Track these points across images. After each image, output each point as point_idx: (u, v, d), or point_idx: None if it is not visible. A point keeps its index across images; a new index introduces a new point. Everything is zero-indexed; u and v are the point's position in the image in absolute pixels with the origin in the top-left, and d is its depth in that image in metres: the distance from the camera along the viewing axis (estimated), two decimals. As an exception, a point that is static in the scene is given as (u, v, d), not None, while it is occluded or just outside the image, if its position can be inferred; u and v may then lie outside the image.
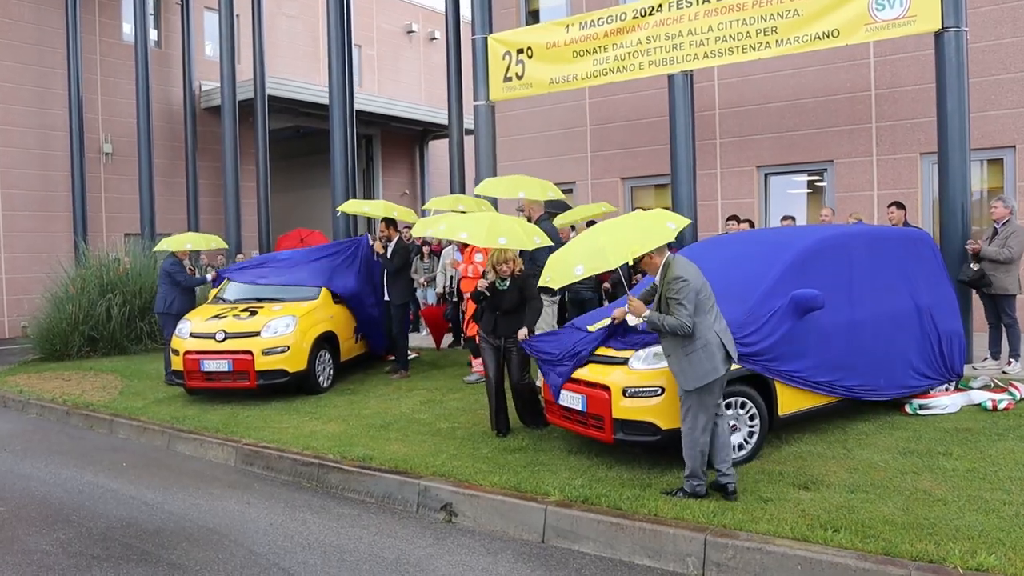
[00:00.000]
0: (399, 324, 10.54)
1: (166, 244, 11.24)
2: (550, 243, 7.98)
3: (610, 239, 5.47)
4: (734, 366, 5.60)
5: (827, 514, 5.03)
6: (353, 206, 12.05)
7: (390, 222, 10.58)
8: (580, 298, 10.18)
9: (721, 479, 5.46)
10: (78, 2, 20.12)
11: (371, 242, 10.87)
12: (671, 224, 5.49)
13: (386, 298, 10.67)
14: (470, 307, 10.06)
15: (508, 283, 7.48)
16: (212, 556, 5.37)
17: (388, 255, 10.43)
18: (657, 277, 5.46)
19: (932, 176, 12.01)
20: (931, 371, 7.21)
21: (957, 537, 4.63)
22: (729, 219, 11.16)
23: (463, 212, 9.75)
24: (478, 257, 9.66)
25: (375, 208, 11.91)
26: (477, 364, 9.76)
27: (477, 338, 9.25)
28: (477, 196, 11.09)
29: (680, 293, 5.20)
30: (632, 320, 5.83)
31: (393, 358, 11.65)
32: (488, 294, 7.50)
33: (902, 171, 12.30)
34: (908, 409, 7.12)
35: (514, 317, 7.45)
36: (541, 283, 5.84)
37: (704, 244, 8.15)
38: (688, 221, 5.84)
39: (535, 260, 8.32)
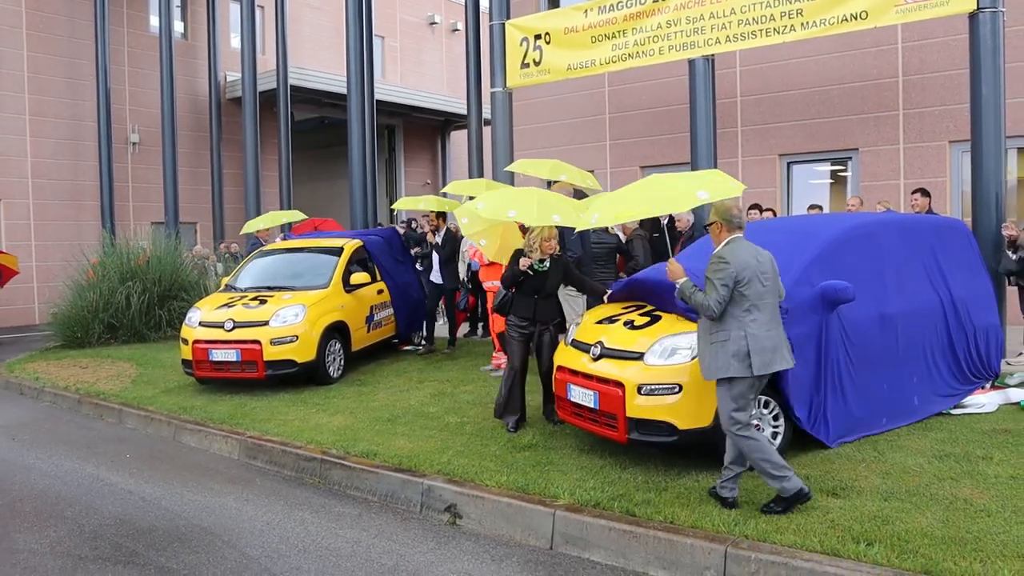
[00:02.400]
0: (450, 305, 11.23)
1: (259, 223, 12.92)
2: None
3: (636, 195, 5.29)
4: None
5: (859, 525, 4.48)
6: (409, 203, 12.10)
7: (440, 214, 10.93)
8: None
9: (720, 488, 4.91)
10: (106, -6, 19.83)
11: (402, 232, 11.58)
12: (702, 193, 4.99)
13: (439, 282, 11.05)
14: (491, 299, 9.62)
15: (548, 264, 6.92)
16: (202, 559, 4.93)
17: (440, 244, 10.85)
18: (714, 251, 4.93)
19: (961, 165, 11.33)
20: (963, 380, 6.58)
21: (1006, 554, 4.07)
22: (751, 208, 10.55)
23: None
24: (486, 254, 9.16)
25: (429, 202, 12.04)
26: (501, 359, 9.21)
27: (494, 330, 8.93)
28: (509, 174, 11.17)
29: (716, 273, 4.70)
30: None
31: (406, 348, 11.32)
32: (531, 273, 6.84)
33: (930, 160, 11.60)
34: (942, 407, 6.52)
35: (553, 301, 6.98)
36: (583, 223, 5.55)
37: None
38: (743, 187, 5.36)
39: (564, 242, 7.63)
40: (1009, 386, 6.97)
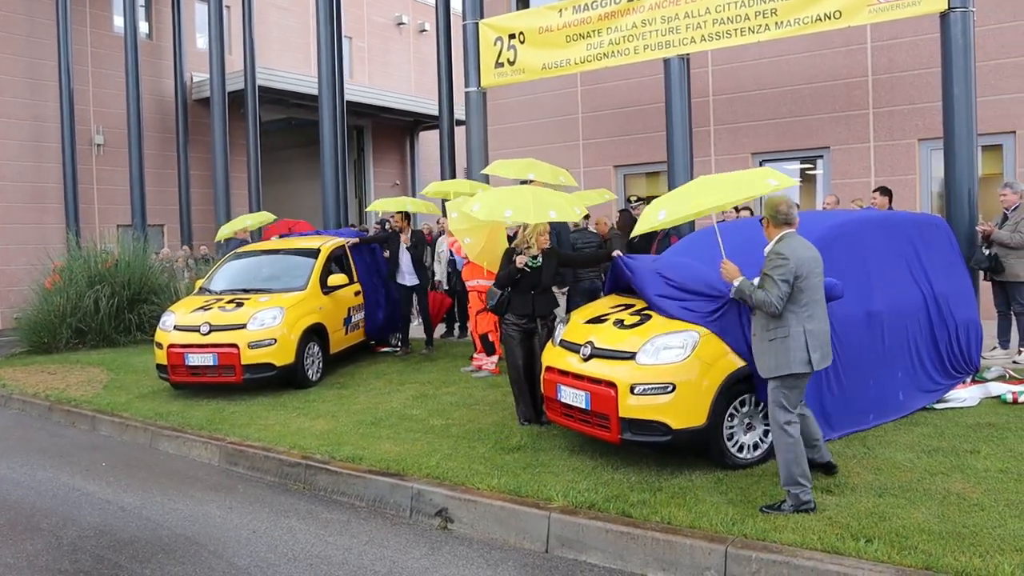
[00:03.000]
0: (424, 305, 11.08)
1: (228, 229, 12.84)
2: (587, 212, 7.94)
3: (700, 190, 5.25)
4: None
5: (857, 521, 4.45)
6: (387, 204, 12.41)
7: (405, 215, 10.97)
8: (588, 287, 9.56)
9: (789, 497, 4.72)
10: (68, -7, 19.29)
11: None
12: (772, 180, 5.07)
13: (416, 282, 10.86)
14: (473, 299, 9.49)
15: (540, 259, 7.01)
16: (189, 571, 4.76)
17: (411, 244, 10.77)
18: (766, 248, 4.84)
19: (931, 163, 11.46)
20: (945, 375, 6.61)
21: (1004, 548, 4.06)
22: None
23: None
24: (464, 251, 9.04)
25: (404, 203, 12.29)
26: (482, 360, 9.10)
27: (494, 334, 8.88)
28: (485, 176, 11.15)
29: (776, 270, 4.63)
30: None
31: (384, 350, 11.14)
32: (527, 270, 6.93)
33: (900, 157, 11.71)
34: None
35: (549, 295, 7.05)
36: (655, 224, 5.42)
37: (707, 232, 7.48)
38: (795, 182, 5.24)
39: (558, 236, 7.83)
40: (988, 380, 7.02)
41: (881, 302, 6.13)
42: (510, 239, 8.48)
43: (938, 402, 6.54)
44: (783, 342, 4.65)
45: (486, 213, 7.02)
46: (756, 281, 4.79)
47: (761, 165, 13.04)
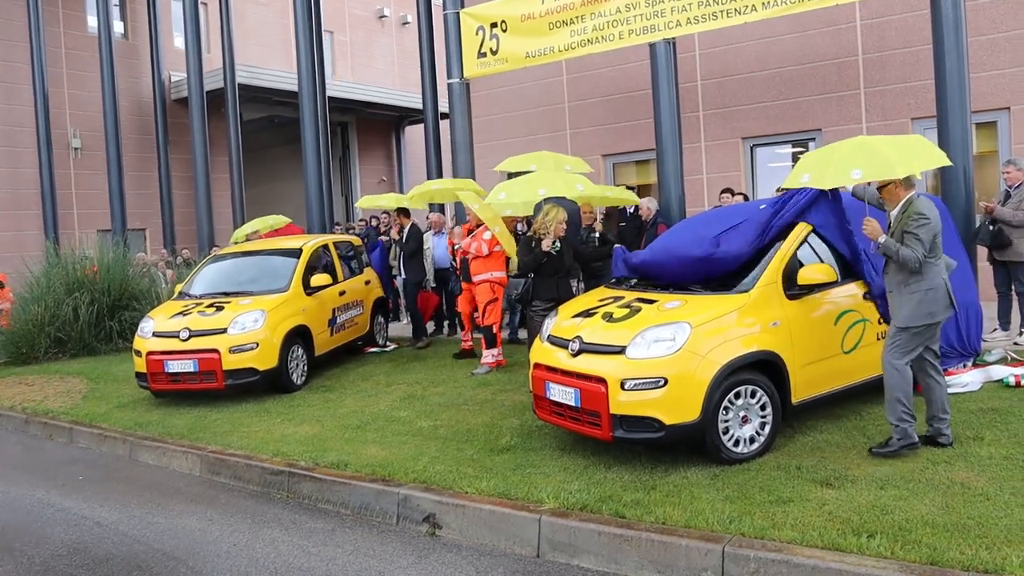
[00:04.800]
0: (413, 301, 11.25)
1: (240, 233, 13.13)
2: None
3: (893, 150, 5.34)
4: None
5: (857, 516, 4.33)
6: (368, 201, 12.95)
7: (402, 211, 11.22)
8: (593, 270, 9.40)
9: (931, 429, 5.28)
10: (39, -7, 19.04)
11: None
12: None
13: (403, 276, 11.29)
14: (466, 292, 9.39)
15: (560, 245, 7.64)
16: (164, 588, 4.61)
17: (403, 239, 11.04)
18: (895, 210, 5.31)
19: (925, 142, 11.32)
20: (947, 345, 6.49)
21: (1011, 540, 3.94)
22: (723, 192, 10.41)
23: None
24: (487, 235, 9.01)
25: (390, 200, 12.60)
26: (490, 355, 9.00)
27: (497, 326, 8.99)
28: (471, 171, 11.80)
29: (920, 229, 5.09)
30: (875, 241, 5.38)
31: (371, 350, 11.01)
32: (553, 254, 7.56)
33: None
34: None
35: (568, 281, 7.63)
36: (795, 182, 5.77)
37: (705, 216, 7.35)
38: (948, 162, 5.85)
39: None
40: (989, 363, 6.91)
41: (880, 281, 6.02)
42: (516, 235, 8.87)
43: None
44: (928, 294, 5.12)
45: (520, 197, 7.94)
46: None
47: (752, 150, 12.93)
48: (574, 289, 8.67)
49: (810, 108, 12.15)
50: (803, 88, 12.17)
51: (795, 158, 12.93)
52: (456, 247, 10.07)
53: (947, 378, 6.36)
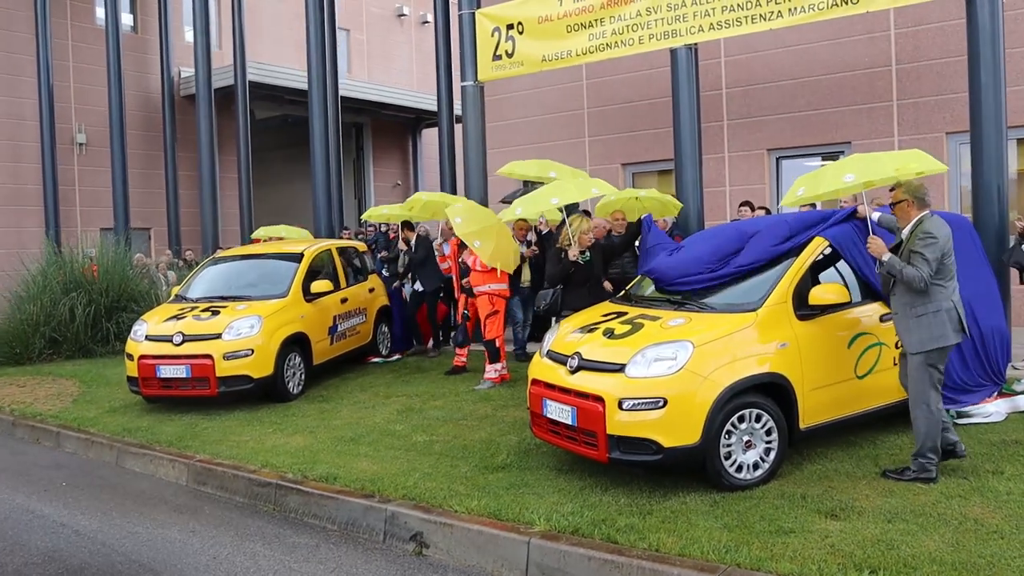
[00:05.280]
0: (413, 308, 11.46)
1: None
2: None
3: (888, 157, 5.97)
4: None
5: (861, 550, 4.29)
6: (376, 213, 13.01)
7: (407, 224, 11.39)
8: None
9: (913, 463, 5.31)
10: (47, -17, 19.38)
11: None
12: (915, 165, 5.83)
13: (418, 287, 11.29)
14: (483, 303, 9.42)
15: (589, 255, 7.94)
16: (138, 601, 4.66)
17: (412, 248, 11.20)
18: (906, 230, 5.37)
19: (960, 157, 11.24)
20: (971, 380, 6.43)
21: (1021, 581, 3.89)
22: (742, 205, 10.38)
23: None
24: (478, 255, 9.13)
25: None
26: (493, 369, 9.08)
27: (500, 339, 9.11)
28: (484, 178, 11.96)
29: (927, 249, 5.15)
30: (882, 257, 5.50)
31: (374, 360, 11.07)
32: (580, 263, 7.88)
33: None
34: (946, 417, 6.35)
35: (600, 289, 7.83)
36: (792, 198, 6.27)
37: (724, 229, 7.36)
38: (945, 168, 6.24)
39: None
40: (1017, 393, 6.82)
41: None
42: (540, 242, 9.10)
43: (960, 416, 6.35)
44: (934, 316, 5.16)
45: (533, 210, 8.30)
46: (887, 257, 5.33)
47: (778, 162, 12.89)
48: None
49: (839, 119, 12.09)
50: (832, 98, 12.12)
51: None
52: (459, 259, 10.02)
53: (968, 407, 6.33)
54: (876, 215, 5.82)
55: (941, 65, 11.27)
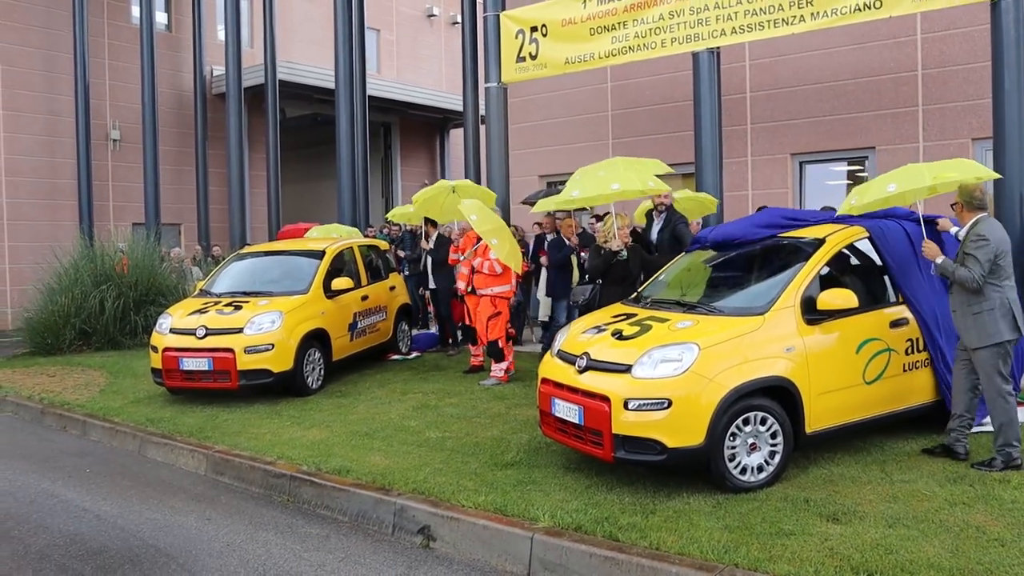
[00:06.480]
0: (447, 307, 11.54)
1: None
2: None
3: (928, 168, 6.05)
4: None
5: (859, 554, 4.33)
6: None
7: (429, 220, 11.46)
8: None
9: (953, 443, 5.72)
10: (85, -17, 19.79)
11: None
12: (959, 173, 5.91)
13: (432, 286, 11.61)
14: (485, 304, 9.51)
15: (626, 252, 7.94)
16: (152, 584, 4.82)
17: (434, 247, 11.38)
18: (962, 232, 5.76)
19: (986, 164, 11.10)
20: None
21: (1018, 587, 3.91)
22: (759, 210, 10.37)
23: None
24: (493, 253, 9.25)
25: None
26: (499, 368, 9.26)
27: (503, 340, 9.31)
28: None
29: (979, 250, 5.47)
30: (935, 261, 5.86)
31: (394, 357, 11.22)
32: (619, 259, 7.89)
33: (953, 157, 11.40)
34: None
35: (635, 287, 7.75)
36: (846, 207, 6.45)
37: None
38: (993, 175, 6.43)
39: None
40: (1031, 402, 6.78)
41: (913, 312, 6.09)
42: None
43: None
44: (989, 315, 5.50)
45: (593, 192, 8.09)
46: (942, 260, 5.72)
47: (802, 167, 12.85)
48: None
49: (864, 124, 12.03)
50: (857, 103, 12.06)
51: (850, 176, 12.82)
52: (463, 257, 10.05)
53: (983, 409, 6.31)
54: (954, 229, 6.08)
55: (967, 71, 11.18)
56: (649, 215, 9.29)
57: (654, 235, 8.95)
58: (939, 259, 5.66)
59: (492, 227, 9.12)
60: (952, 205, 5.81)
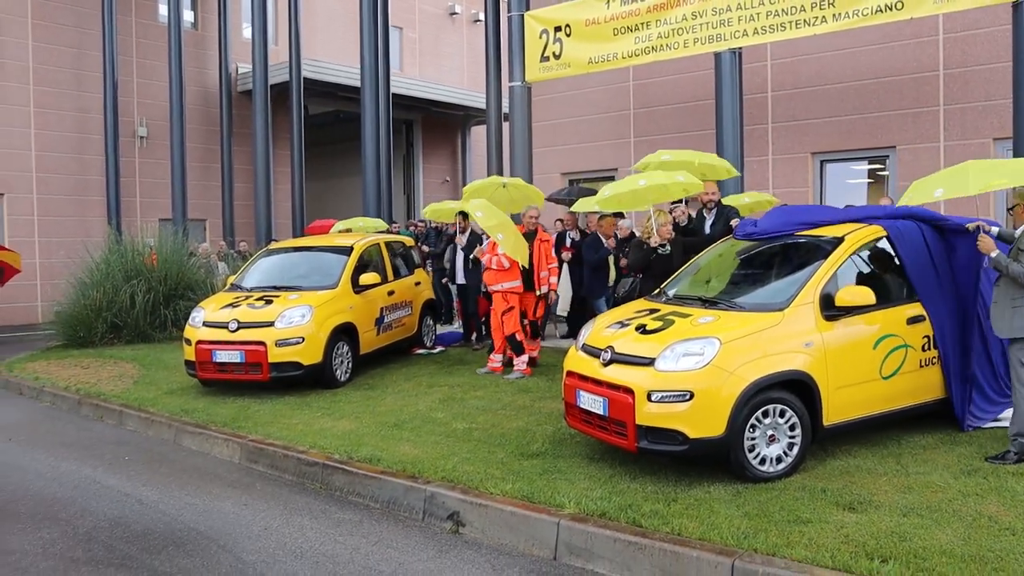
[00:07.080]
0: (475, 304, 11.61)
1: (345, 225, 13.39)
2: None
3: (977, 170, 6.06)
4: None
5: (874, 540, 4.52)
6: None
7: (462, 213, 11.58)
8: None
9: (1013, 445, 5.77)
10: (114, -18, 20.20)
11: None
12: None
13: (461, 281, 11.82)
14: (497, 301, 9.73)
15: (669, 247, 8.19)
16: (196, 563, 5.08)
17: (466, 244, 11.53)
18: (1018, 231, 5.91)
19: (1006, 164, 11.24)
20: (999, 393, 6.56)
21: (1027, 574, 4.08)
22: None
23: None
24: (501, 249, 9.43)
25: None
26: (521, 361, 9.49)
27: (520, 333, 9.50)
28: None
29: None
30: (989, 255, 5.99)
31: (419, 351, 11.46)
32: (660, 253, 8.15)
33: (973, 158, 11.47)
34: (973, 420, 6.51)
35: None
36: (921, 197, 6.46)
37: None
38: None
39: None
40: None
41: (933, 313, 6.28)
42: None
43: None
44: None
45: (623, 188, 8.45)
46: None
47: (823, 166, 12.98)
48: None
49: (885, 124, 12.14)
50: (878, 103, 12.17)
51: (870, 176, 12.93)
52: (471, 255, 10.34)
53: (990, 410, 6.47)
54: (995, 229, 6.22)
55: (989, 71, 11.27)
56: (700, 214, 9.40)
57: (707, 230, 9.04)
58: (993, 253, 5.84)
59: (497, 222, 9.29)
60: (1009, 209, 6.06)
